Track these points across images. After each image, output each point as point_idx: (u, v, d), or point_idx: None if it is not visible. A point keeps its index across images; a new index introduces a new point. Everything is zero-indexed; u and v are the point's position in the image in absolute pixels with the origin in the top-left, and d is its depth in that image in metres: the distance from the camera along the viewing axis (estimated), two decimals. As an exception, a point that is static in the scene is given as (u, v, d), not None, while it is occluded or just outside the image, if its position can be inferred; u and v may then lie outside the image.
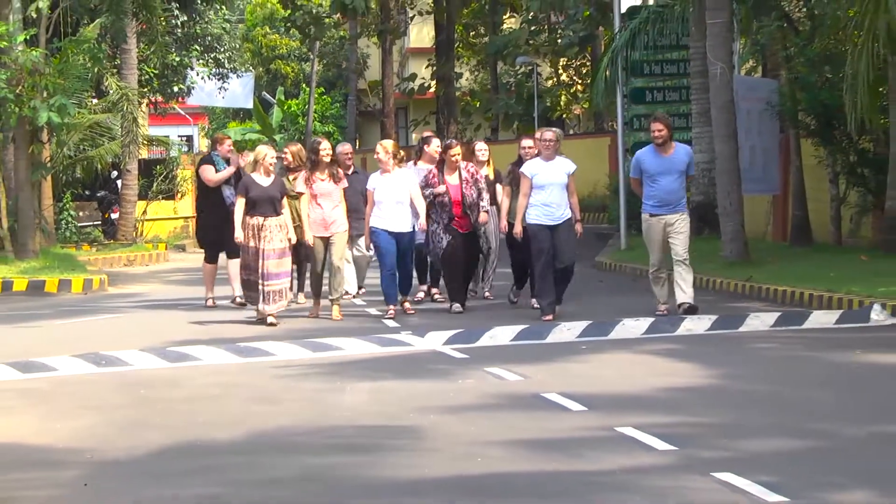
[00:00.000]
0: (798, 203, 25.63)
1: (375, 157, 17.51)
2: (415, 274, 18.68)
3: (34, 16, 26.54)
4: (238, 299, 18.29)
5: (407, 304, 17.77)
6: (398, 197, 17.18)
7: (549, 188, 16.51)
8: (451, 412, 11.04)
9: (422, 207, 17.27)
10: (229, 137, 19.63)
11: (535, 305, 17.38)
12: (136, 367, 13.92)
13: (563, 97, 48.37)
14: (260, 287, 16.55)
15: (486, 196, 17.94)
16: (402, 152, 18.73)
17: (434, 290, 19.34)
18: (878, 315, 15.79)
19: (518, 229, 16.74)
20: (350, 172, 19.02)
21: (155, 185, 38.16)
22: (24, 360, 14.20)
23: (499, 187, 18.64)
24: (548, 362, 13.43)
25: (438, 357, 14.08)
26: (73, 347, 14.94)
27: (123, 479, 9.07)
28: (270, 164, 16.93)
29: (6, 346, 15.58)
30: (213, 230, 19.18)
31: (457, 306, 17.61)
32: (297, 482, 8.89)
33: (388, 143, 17.85)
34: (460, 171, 17.75)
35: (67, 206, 34.09)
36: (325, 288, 17.91)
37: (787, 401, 11.22)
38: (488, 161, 18.95)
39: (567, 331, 15.19)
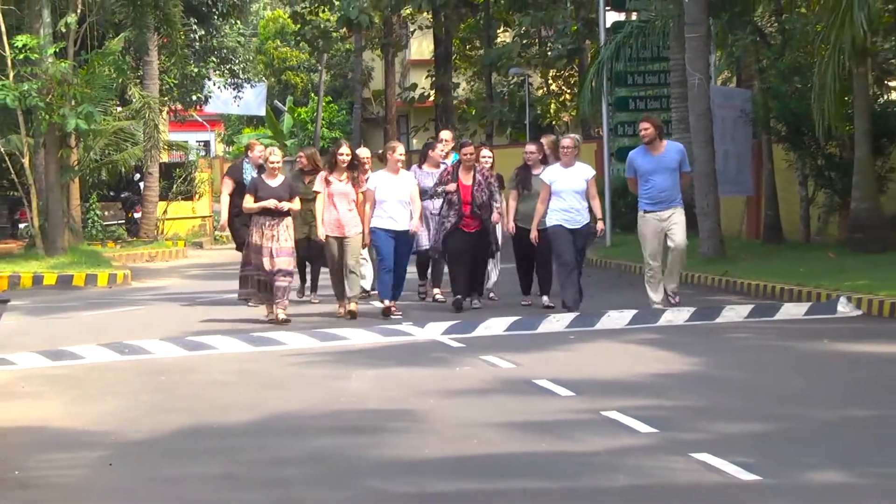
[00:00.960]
0: (770, 203, 25.64)
1: (390, 155, 16.70)
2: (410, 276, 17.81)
3: (63, 30, 26.51)
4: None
5: (393, 308, 16.57)
6: (401, 196, 16.47)
7: (568, 194, 15.96)
8: (448, 397, 11.03)
9: (418, 209, 16.64)
10: (260, 144, 18.82)
11: (547, 304, 16.79)
12: (156, 356, 13.91)
13: (552, 105, 48.34)
14: (272, 283, 15.88)
15: (498, 198, 17.11)
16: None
17: (436, 291, 18.21)
18: (844, 307, 15.80)
19: (533, 234, 16.21)
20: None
21: (175, 186, 38.21)
22: (53, 348, 14.20)
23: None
24: (538, 351, 13.42)
25: (437, 346, 14.07)
26: (98, 337, 14.93)
27: (145, 459, 9.06)
28: (273, 165, 16.22)
29: (37, 335, 15.57)
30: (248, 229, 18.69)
31: (458, 300, 16.75)
32: (306, 462, 8.88)
33: (394, 143, 17.46)
34: (475, 172, 16.87)
35: (94, 206, 34.11)
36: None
37: (761, 386, 11.21)
38: (491, 166, 17.98)
39: (556, 322, 15.17)
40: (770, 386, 11.26)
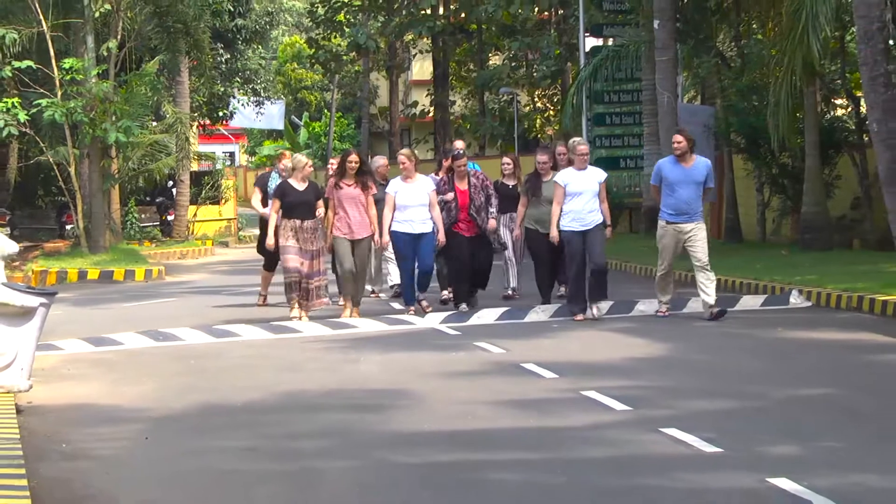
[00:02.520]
0: (730, 207, 25.69)
1: (400, 165, 15.56)
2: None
3: (105, 54, 26.57)
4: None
5: (424, 303, 15.64)
6: (421, 200, 15.33)
7: (582, 196, 14.69)
8: (446, 378, 11.03)
9: (437, 215, 15.42)
10: (287, 155, 17.67)
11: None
12: (186, 342, 13.90)
13: (538, 120, 48.31)
14: (303, 285, 14.92)
15: (494, 202, 16.06)
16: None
17: (444, 293, 16.83)
18: (795, 299, 15.82)
19: (554, 233, 14.82)
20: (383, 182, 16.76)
21: (203, 192, 38.25)
22: (95, 335, 14.19)
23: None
24: (525, 338, 13.40)
25: (436, 334, 14.06)
26: (136, 325, 14.92)
27: (177, 434, 9.05)
28: (308, 172, 15.36)
29: (81, 324, 15.57)
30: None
31: (463, 306, 15.57)
32: (320, 436, 8.88)
33: (408, 151, 15.97)
34: (469, 177, 15.94)
35: (132, 209, 34.09)
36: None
37: (723, 369, 11.21)
38: (513, 173, 17.27)
39: (541, 312, 15.15)
40: (731, 369, 11.27)
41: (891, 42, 17.13)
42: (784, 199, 24.28)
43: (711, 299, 14.41)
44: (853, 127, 24.09)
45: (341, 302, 15.52)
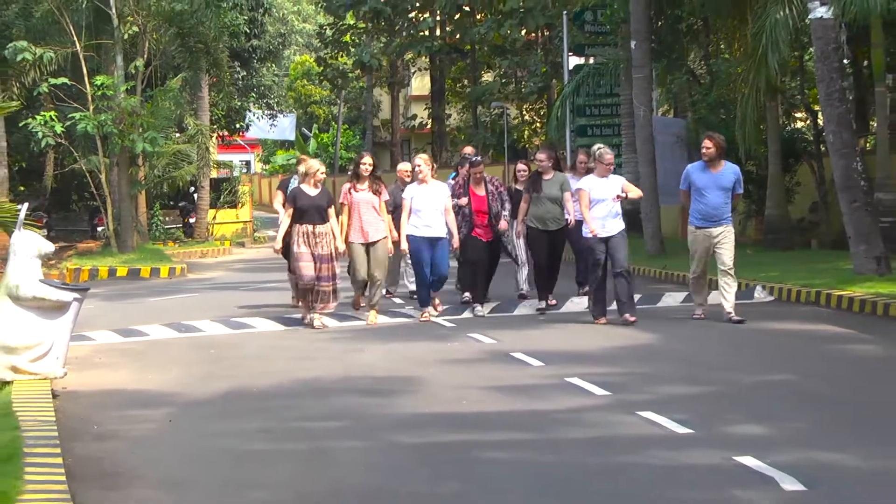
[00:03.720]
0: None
1: (416, 169, 14.54)
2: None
3: (133, 72, 26.61)
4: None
5: (436, 301, 14.73)
6: (436, 205, 14.20)
7: (605, 203, 13.58)
8: (443, 366, 11.03)
9: (453, 221, 14.41)
10: (306, 159, 16.20)
11: (539, 308, 14.96)
12: (207, 333, 13.90)
13: (526, 132, 48.24)
14: (317, 289, 13.72)
15: (507, 206, 15.08)
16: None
17: (466, 294, 15.73)
18: (760, 294, 15.84)
19: (592, 227, 13.53)
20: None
21: (222, 197, 38.20)
22: (124, 327, 14.19)
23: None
24: (515, 330, 13.39)
25: (434, 326, 14.04)
26: (161, 318, 14.92)
27: (199, 417, 9.06)
28: (321, 178, 14.11)
29: (111, 317, 15.56)
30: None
31: (478, 308, 14.80)
32: (329, 418, 8.88)
33: (426, 156, 14.85)
34: (486, 184, 15.00)
35: (157, 213, 34.06)
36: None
37: (694, 357, 11.22)
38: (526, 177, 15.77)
39: (529, 306, 15.14)
40: (702, 357, 11.27)
41: (845, 61, 17.13)
42: (749, 203, 24.26)
43: (728, 305, 13.43)
44: (811, 138, 24.13)
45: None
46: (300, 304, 14.31)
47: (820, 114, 19.59)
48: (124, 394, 10.13)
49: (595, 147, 14.17)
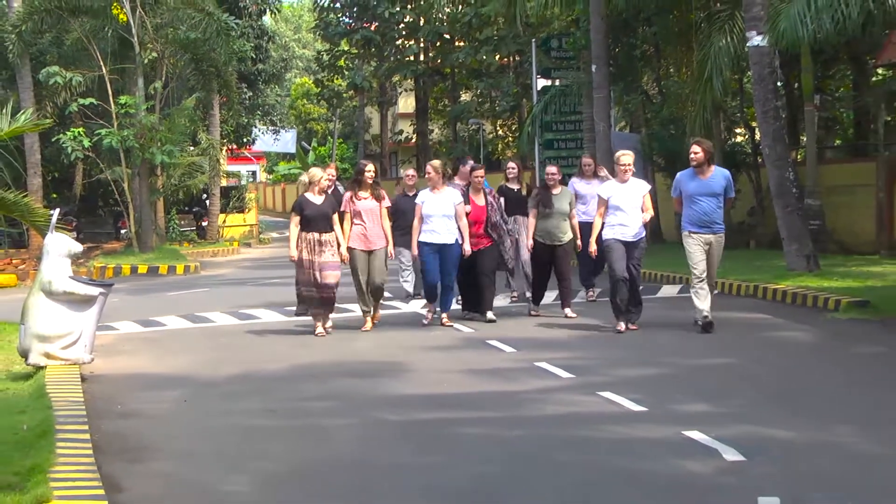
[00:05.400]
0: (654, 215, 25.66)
1: (427, 176, 12.93)
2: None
3: (152, 92, 26.62)
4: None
5: (444, 317, 12.95)
6: (446, 210, 12.71)
7: (625, 210, 11.93)
8: (425, 352, 11.03)
9: (465, 227, 12.85)
10: (321, 167, 14.36)
11: (569, 314, 13.27)
12: (218, 323, 13.87)
13: (500, 145, 48.25)
14: (317, 296, 12.40)
15: (506, 217, 13.56)
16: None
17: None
18: (705, 288, 15.77)
19: (592, 248, 12.28)
20: (412, 194, 14.17)
21: (231, 203, 38.08)
22: (144, 318, 14.16)
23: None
24: (493, 322, 13.31)
25: (418, 316, 14.01)
26: (177, 310, 14.90)
27: (210, 398, 9.03)
28: (326, 185, 12.91)
29: (133, 309, 15.51)
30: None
31: (490, 315, 13.02)
32: (325, 398, 8.87)
33: (437, 163, 13.25)
34: (485, 194, 13.38)
35: (174, 217, 33.93)
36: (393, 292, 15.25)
37: (648, 343, 11.22)
38: (517, 177, 14.49)
39: (504, 298, 15.08)
40: (654, 343, 11.27)
41: (778, 84, 17.19)
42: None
43: (703, 312, 11.75)
44: (749, 151, 24.16)
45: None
46: (305, 314, 12.73)
47: (757, 129, 19.65)
48: (144, 377, 10.10)
49: (618, 153, 12.42)
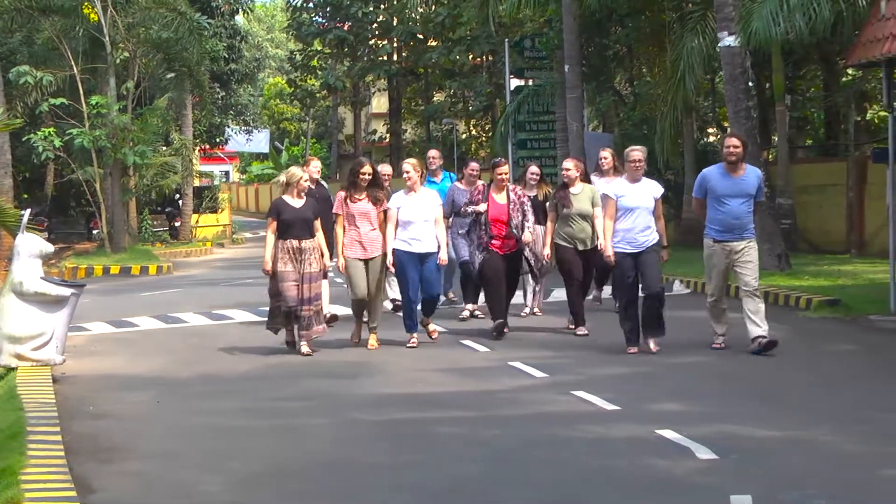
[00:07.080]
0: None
1: (405, 176, 11.28)
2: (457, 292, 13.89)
3: (124, 92, 26.49)
4: (327, 315, 11.96)
5: (431, 327, 11.57)
6: (426, 216, 11.18)
7: (636, 212, 10.49)
8: (400, 352, 11.02)
9: (443, 235, 11.42)
10: (315, 159, 13.50)
11: (582, 333, 11.89)
12: (190, 324, 13.81)
13: (473, 145, 48.31)
14: (299, 312, 10.92)
15: (531, 218, 11.72)
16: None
17: (473, 306, 13.39)
18: (678, 287, 15.95)
19: (609, 252, 10.55)
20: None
21: (203, 203, 37.91)
22: (117, 318, 14.08)
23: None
24: (466, 322, 13.31)
25: (395, 318, 13.98)
26: (149, 310, 14.82)
27: (184, 398, 8.99)
28: (305, 186, 11.19)
29: (106, 309, 15.40)
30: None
31: (501, 324, 11.66)
32: (301, 398, 8.86)
33: (415, 161, 11.71)
34: (508, 192, 11.73)
35: (146, 217, 33.75)
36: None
37: (621, 343, 11.21)
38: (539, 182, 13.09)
39: (481, 301, 15.04)
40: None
41: (750, 84, 17.29)
42: (668, 207, 24.43)
43: (759, 329, 10.29)
44: (721, 150, 24.32)
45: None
46: (279, 329, 11.37)
47: (729, 129, 19.77)
48: (117, 378, 10.04)
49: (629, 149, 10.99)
